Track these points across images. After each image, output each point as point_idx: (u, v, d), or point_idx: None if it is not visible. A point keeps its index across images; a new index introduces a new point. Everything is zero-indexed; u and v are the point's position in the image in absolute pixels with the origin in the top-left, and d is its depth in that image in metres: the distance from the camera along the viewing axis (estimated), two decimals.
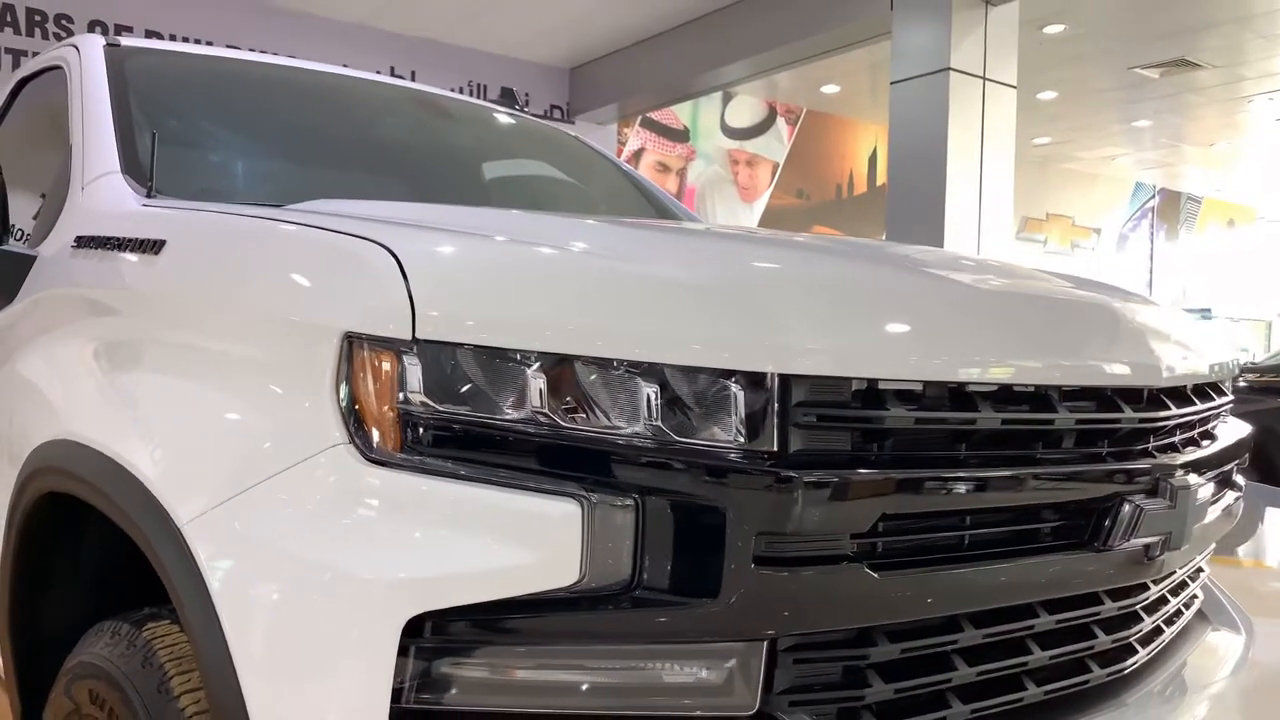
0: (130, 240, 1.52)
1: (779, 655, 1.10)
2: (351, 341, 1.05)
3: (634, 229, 1.50)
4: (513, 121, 3.18)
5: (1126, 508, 1.30)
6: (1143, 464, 1.35)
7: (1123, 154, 14.86)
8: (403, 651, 0.98)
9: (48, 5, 6.64)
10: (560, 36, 8.03)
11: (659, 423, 1.05)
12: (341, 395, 1.05)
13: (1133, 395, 1.40)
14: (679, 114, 10.80)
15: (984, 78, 5.98)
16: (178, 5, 6.90)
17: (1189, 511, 1.39)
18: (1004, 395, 1.24)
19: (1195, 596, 1.79)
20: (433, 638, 0.99)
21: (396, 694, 1.00)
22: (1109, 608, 1.40)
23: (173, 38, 6.78)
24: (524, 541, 0.99)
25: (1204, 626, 1.81)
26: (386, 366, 1.03)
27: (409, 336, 1.02)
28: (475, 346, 1.03)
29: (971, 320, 1.25)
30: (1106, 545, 1.30)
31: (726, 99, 11.23)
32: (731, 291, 1.11)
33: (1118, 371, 1.36)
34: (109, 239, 1.60)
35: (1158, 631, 1.57)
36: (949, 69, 5.82)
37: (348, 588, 0.98)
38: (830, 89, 10.97)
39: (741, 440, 1.07)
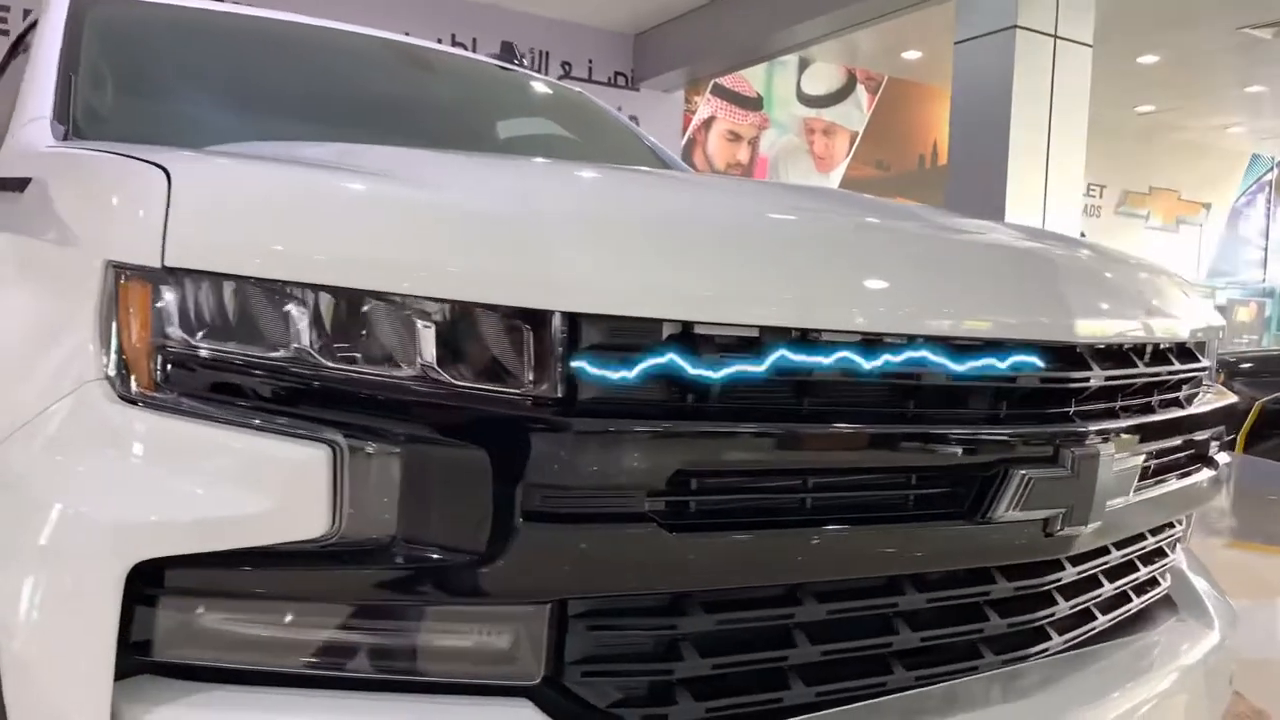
0: (11, 180, 1.50)
1: (570, 621, 1.01)
2: (115, 271, 0.99)
3: (447, 159, 1.39)
4: (507, 76, 3.11)
5: (1013, 476, 1.16)
6: (1036, 429, 1.20)
7: (1236, 123, 13.98)
8: (135, 599, 0.92)
9: None
10: (624, 0, 7.91)
11: (431, 364, 0.96)
12: (103, 329, 0.99)
13: (1044, 352, 1.24)
14: (752, 82, 10.55)
15: (1055, 35, 5.63)
16: None
17: (1100, 484, 1.24)
18: (863, 345, 1.11)
19: (1154, 581, 1.63)
20: (168, 587, 0.94)
21: (137, 646, 0.94)
22: (1003, 588, 1.26)
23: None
24: (268, 488, 0.92)
25: (1166, 617, 1.64)
26: (142, 297, 0.97)
27: (159, 265, 0.95)
28: (235, 277, 0.95)
29: (819, 260, 1.12)
30: (985, 518, 1.16)
31: (803, 66, 10.92)
32: (518, 223, 1.01)
33: (1016, 324, 1.21)
34: (4, 180, 1.58)
35: (1088, 616, 1.42)
36: (1015, 26, 5.50)
37: (78, 531, 0.93)
38: (912, 55, 10.56)
39: (519, 385, 0.97)
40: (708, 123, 10.42)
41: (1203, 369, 1.61)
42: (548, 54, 8.17)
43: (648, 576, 1.00)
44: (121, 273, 0.98)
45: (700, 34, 8.19)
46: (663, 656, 1.05)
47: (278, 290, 0.96)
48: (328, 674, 0.98)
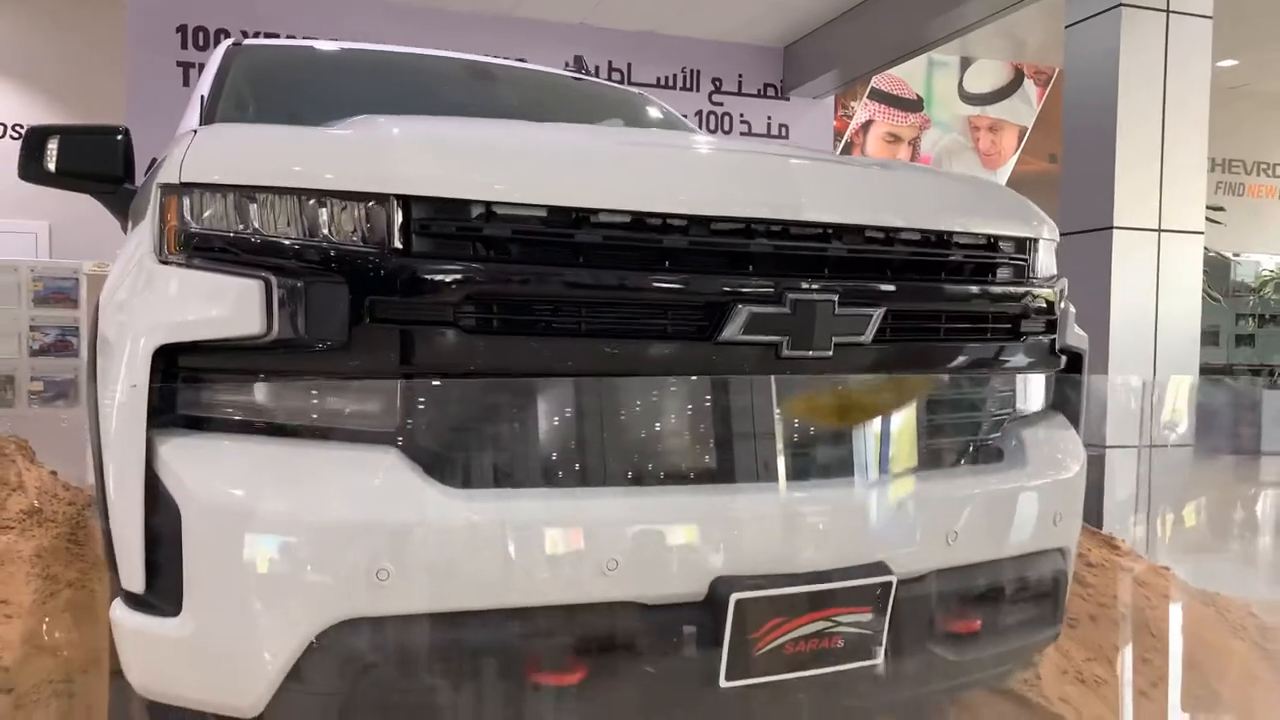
0: (155, 160, 2.29)
1: (413, 391, 1.62)
2: (160, 189, 1.70)
3: (382, 118, 1.99)
4: (580, 84, 3.77)
5: (737, 309, 1.66)
6: (757, 280, 1.69)
7: None
8: (156, 367, 1.59)
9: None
10: (772, 16, 8.43)
11: (326, 231, 1.60)
12: (158, 221, 1.70)
13: (781, 230, 1.73)
14: (911, 83, 10.76)
15: (1167, 10, 5.67)
16: (405, 17, 8.05)
17: (820, 321, 1.70)
18: (623, 222, 1.65)
19: (965, 428, 2.03)
20: (177, 362, 1.61)
21: (168, 405, 1.62)
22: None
23: None
24: (229, 304, 1.58)
25: (979, 458, 2.03)
26: (169, 200, 1.67)
27: (177, 182, 1.65)
28: (213, 185, 1.64)
29: (582, 162, 1.68)
30: (713, 338, 1.67)
31: (965, 65, 11.00)
32: (375, 144, 1.66)
33: (745, 207, 1.71)
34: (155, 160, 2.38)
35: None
36: (1121, 4, 5.59)
37: (133, 328, 1.63)
38: None
39: (377, 241, 1.59)
40: (865, 126, 10.73)
41: (993, 260, 2.00)
42: (699, 72, 8.81)
43: (456, 362, 1.59)
44: (163, 189, 1.69)
45: (850, 36, 8.54)
46: (485, 421, 1.63)
47: (239, 192, 1.63)
48: (272, 423, 1.63)
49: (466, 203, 1.61)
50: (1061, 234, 2.15)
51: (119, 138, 2.64)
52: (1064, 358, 2.19)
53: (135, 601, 1.64)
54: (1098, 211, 5.67)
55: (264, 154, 1.68)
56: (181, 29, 7.65)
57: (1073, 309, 2.26)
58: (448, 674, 1.56)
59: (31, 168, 2.64)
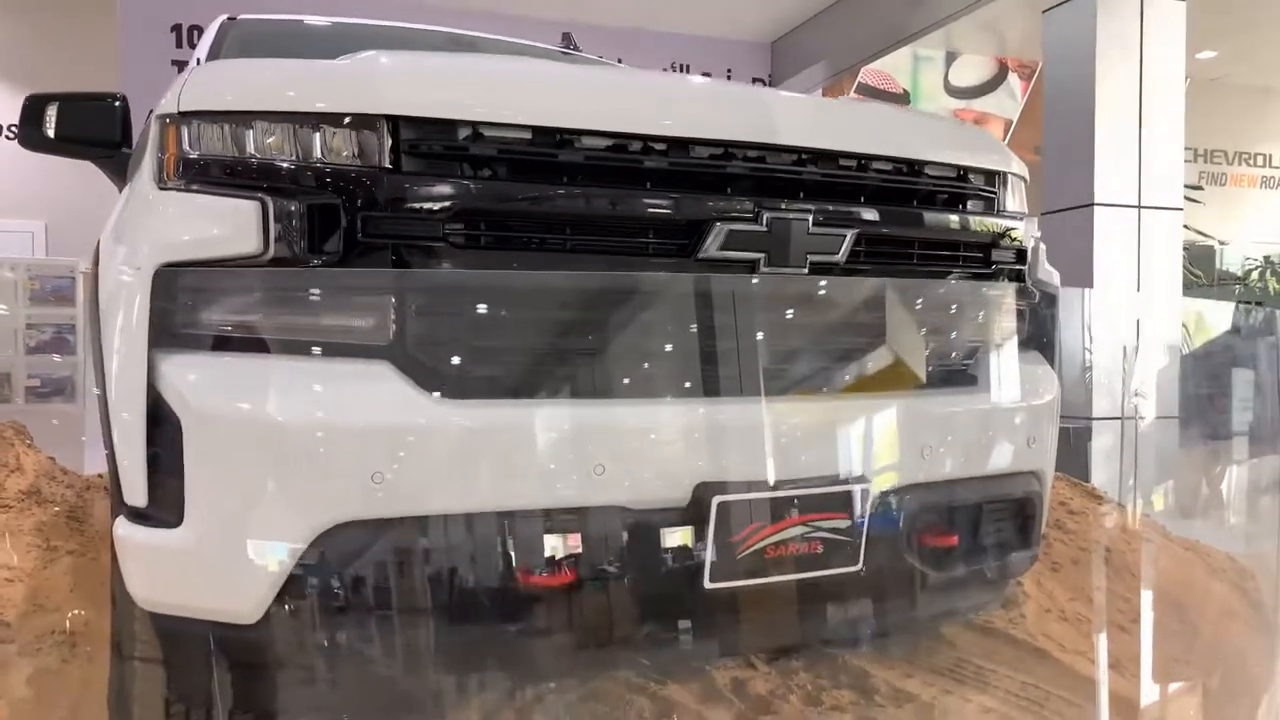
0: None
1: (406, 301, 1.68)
2: (160, 120, 1.76)
3: (376, 54, 2.06)
4: (560, 56, 3.86)
5: (717, 227, 1.73)
6: (736, 200, 1.76)
7: None
8: (157, 287, 1.65)
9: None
10: (758, 13, 8.55)
11: (316, 152, 1.67)
12: (156, 150, 1.77)
13: (758, 153, 1.80)
14: (898, 78, 10.87)
15: None
16: (391, 13, 8.12)
17: (795, 239, 1.77)
18: (597, 142, 1.72)
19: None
20: (179, 278, 1.67)
21: (170, 325, 1.68)
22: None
23: None
24: (227, 224, 1.65)
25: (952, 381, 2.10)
26: (168, 130, 1.74)
27: (175, 112, 1.71)
28: (210, 112, 1.70)
29: (565, 87, 1.76)
30: (694, 255, 1.74)
31: (950, 59, 11.11)
32: (364, 71, 1.74)
33: (723, 130, 1.78)
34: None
35: None
36: None
37: (135, 251, 1.69)
38: None
39: (370, 160, 1.66)
40: None
41: (963, 191, 2.08)
42: (688, 67, 8.92)
43: (444, 264, 1.65)
44: (161, 120, 1.75)
45: (834, 30, 8.65)
46: (474, 333, 1.69)
47: (235, 119, 1.69)
48: (269, 339, 1.69)
49: (453, 123, 1.67)
50: (1045, 212, 2.22)
51: (116, 104, 2.71)
52: (1037, 293, 2.27)
53: (138, 516, 1.69)
54: (1079, 189, 5.77)
55: (258, 82, 1.75)
56: (176, 28, 7.73)
57: (1044, 247, 2.34)
58: (440, 575, 1.62)
59: (31, 134, 2.70)
